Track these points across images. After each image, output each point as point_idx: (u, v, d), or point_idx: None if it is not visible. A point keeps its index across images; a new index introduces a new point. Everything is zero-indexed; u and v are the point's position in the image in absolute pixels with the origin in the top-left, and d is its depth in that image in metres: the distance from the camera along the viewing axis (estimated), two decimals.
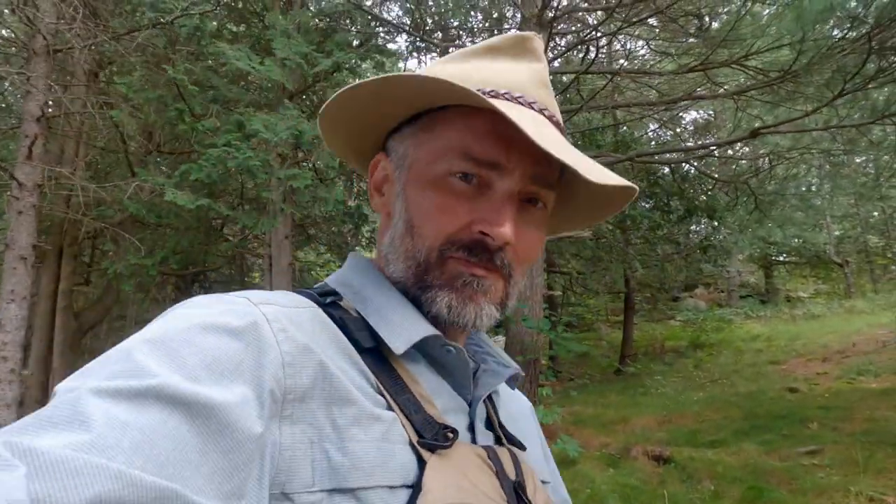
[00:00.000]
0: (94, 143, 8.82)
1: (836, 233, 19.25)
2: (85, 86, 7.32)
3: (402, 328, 0.57)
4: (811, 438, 5.82)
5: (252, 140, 6.05)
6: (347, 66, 7.59)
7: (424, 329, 0.58)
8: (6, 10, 7.29)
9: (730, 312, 16.00)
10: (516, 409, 0.76)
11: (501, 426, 0.66)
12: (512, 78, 0.63)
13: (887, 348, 9.42)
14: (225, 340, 0.46)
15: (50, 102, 6.29)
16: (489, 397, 0.67)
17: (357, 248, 14.76)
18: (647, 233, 10.49)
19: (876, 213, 18.94)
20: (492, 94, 0.60)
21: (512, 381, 0.71)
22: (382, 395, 0.54)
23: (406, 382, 0.56)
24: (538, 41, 0.67)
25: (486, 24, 10.45)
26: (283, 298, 0.56)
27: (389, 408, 0.53)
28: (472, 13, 10.26)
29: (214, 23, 7.58)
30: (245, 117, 6.03)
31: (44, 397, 8.77)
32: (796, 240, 15.54)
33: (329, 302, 0.61)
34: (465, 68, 0.64)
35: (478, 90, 0.58)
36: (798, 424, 6.32)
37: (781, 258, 18.99)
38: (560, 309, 11.74)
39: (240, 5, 8.95)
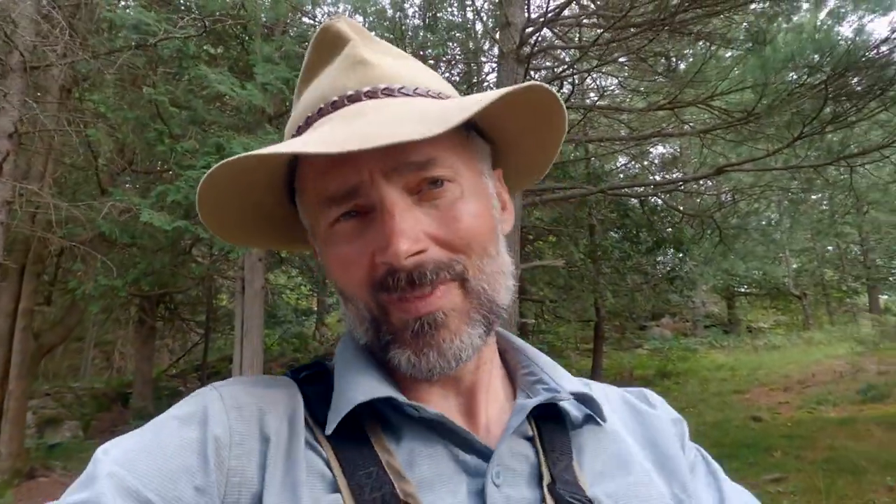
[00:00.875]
0: (63, 160, 8.65)
1: (794, 266, 19.98)
2: (58, 102, 7.21)
3: (342, 400, 0.52)
4: (775, 466, 5.98)
5: None
6: None
7: (365, 393, 0.51)
8: None
9: (695, 342, 16.36)
10: (640, 436, 0.61)
11: (556, 478, 0.52)
12: (325, 85, 0.56)
13: (844, 379, 9.78)
14: (175, 429, 0.48)
15: (22, 119, 6.18)
16: (542, 438, 0.55)
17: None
18: (618, 263, 10.74)
19: (831, 248, 19.77)
20: (309, 120, 0.56)
21: (590, 406, 0.57)
22: (333, 474, 0.48)
23: (378, 453, 0.50)
24: (338, 23, 0.58)
25: (464, 57, 10.72)
26: (247, 378, 0.56)
27: (336, 489, 0.47)
28: (451, 44, 10.51)
29: (193, 45, 7.59)
30: (224, 140, 6.03)
31: None
32: (757, 272, 16.10)
33: (304, 377, 0.58)
34: (297, 108, 0.60)
35: (306, 120, 0.56)
36: (763, 453, 6.49)
37: (743, 290, 19.59)
38: (531, 336, 11.84)
39: (218, 27, 8.99)
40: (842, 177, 10.27)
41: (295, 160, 0.56)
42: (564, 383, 0.58)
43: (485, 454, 0.51)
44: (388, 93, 0.54)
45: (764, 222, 11.81)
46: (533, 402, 0.54)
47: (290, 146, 0.47)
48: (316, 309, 17.67)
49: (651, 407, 0.65)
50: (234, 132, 6.83)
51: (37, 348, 9.25)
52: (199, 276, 10.39)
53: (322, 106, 0.55)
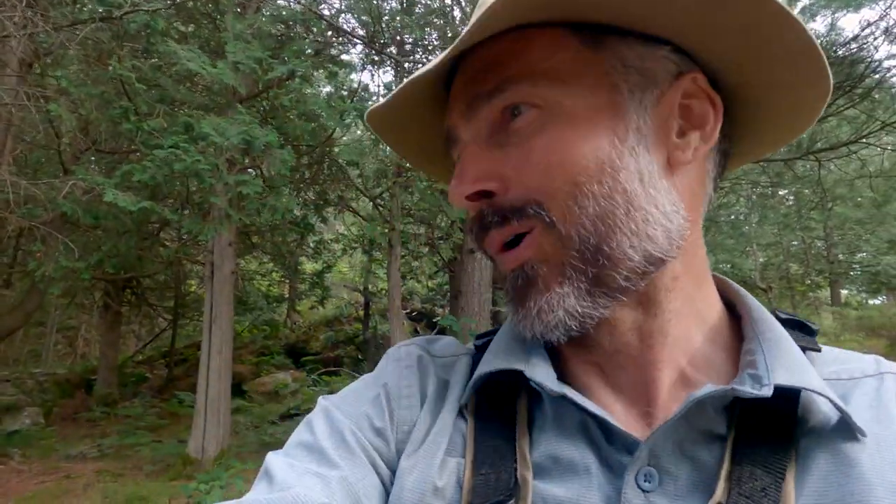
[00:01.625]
0: (23, 137, 8.33)
1: (762, 259, 20.48)
2: (18, 76, 6.91)
3: (479, 371, 0.50)
4: None
5: (200, 143, 5.88)
6: (300, 73, 7.51)
7: (495, 364, 0.48)
8: None
9: None
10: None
11: (735, 498, 0.39)
12: None
13: None
14: (367, 384, 0.56)
15: None
16: (738, 440, 0.41)
17: (302, 258, 14.50)
18: None
19: (796, 243, 20.32)
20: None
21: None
22: (466, 441, 0.47)
23: (516, 430, 0.46)
24: None
25: (442, 44, 10.61)
26: (431, 340, 0.60)
27: (463, 454, 0.47)
28: (427, 30, 10.40)
29: (162, 21, 7.36)
30: (194, 119, 5.86)
31: None
32: (727, 265, 16.44)
33: (481, 343, 0.56)
34: None
35: None
36: None
37: None
38: None
39: (189, 4, 8.71)
40: (809, 172, 10.53)
41: None
42: (782, 371, 0.41)
43: (633, 448, 0.42)
44: None
45: (733, 216, 12.05)
46: (702, 392, 0.40)
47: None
48: (287, 295, 17.48)
49: None
50: (204, 112, 6.65)
51: None
52: (166, 260, 10.15)
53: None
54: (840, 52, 5.62)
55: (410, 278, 13.72)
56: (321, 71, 8.66)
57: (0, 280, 9.80)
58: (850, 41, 5.69)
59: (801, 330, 0.50)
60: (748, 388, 0.40)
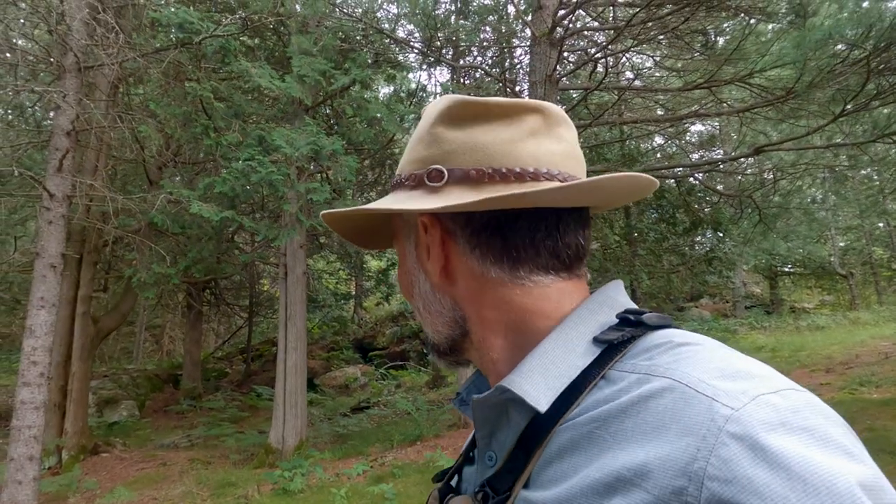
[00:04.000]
0: (113, 154, 9.08)
1: (841, 244, 19.33)
2: (110, 100, 7.57)
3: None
4: None
5: (272, 154, 6.28)
6: (360, 80, 7.84)
7: (461, 387, 0.70)
8: (34, 30, 7.56)
9: (735, 323, 16.10)
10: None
11: (461, 486, 0.63)
12: None
13: (889, 360, 9.54)
14: None
15: (79, 116, 6.53)
16: (520, 439, 0.52)
17: (367, 256, 14.99)
18: (653, 245, 10.65)
19: (882, 225, 19.03)
20: None
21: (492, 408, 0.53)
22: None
23: None
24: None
25: (496, 40, 10.70)
26: None
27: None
28: (483, 27, 10.51)
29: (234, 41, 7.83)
30: (266, 132, 6.27)
31: (63, 401, 8.99)
32: (800, 252, 15.69)
33: None
34: None
35: None
36: None
37: (787, 269, 19.10)
38: None
39: (256, 18, 9.22)
40: (889, 153, 9.94)
41: None
42: (513, 375, 0.52)
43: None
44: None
45: (809, 199, 11.49)
46: (456, 398, 0.68)
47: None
48: (354, 293, 18.04)
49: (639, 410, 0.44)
50: (274, 123, 7.07)
51: (95, 332, 9.80)
52: (243, 263, 10.79)
53: None
54: None
55: None
56: (380, 74, 8.96)
57: (98, 285, 10.70)
58: None
59: (626, 324, 0.54)
60: (475, 394, 0.56)
